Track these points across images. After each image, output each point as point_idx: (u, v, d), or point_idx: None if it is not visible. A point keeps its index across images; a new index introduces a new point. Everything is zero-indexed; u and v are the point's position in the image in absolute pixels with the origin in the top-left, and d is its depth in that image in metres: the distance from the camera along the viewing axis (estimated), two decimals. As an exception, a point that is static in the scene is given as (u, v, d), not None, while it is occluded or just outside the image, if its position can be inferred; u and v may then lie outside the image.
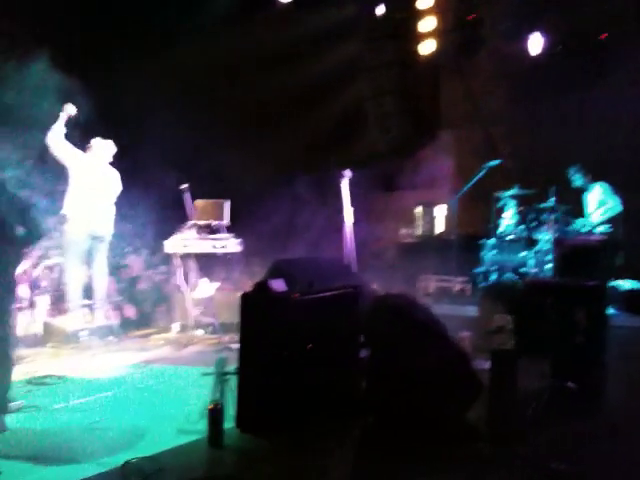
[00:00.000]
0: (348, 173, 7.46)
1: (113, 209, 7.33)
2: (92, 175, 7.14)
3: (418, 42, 10.87)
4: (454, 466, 3.47)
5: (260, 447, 3.74)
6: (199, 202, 7.78)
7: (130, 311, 8.11)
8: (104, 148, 7.28)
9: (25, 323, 7.14)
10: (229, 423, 3.97)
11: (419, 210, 10.85)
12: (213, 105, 9.79)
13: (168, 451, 3.71)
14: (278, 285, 3.97)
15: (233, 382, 4.07)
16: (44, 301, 7.45)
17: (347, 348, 4.33)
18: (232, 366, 4.13)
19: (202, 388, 4.40)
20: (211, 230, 7.64)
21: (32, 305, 7.32)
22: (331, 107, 10.73)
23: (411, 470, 3.47)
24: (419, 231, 10.75)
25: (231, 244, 7.60)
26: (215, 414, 3.68)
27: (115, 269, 8.29)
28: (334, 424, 3.97)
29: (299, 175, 9.93)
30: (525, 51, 9.80)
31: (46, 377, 5.67)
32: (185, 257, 7.66)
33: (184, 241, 7.48)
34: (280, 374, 3.74)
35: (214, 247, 7.49)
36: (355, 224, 7.59)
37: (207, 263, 8.01)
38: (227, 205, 7.84)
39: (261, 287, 3.98)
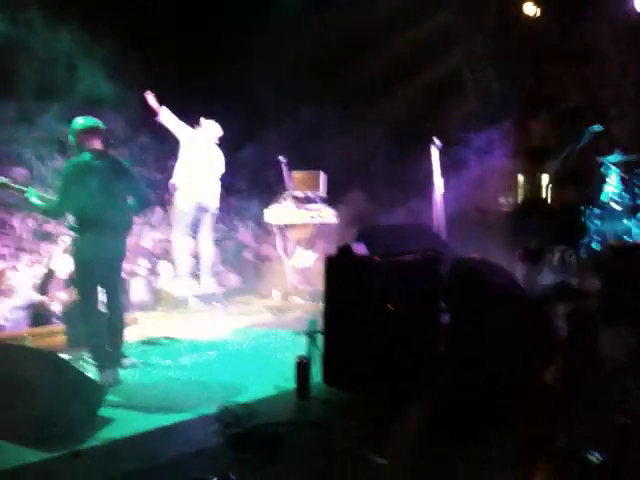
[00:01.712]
0: (438, 142, 7.49)
1: (219, 184, 7.76)
2: (200, 150, 7.58)
3: (520, 4, 10.53)
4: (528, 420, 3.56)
5: (343, 399, 4.00)
6: (296, 173, 8.08)
7: (234, 279, 8.58)
8: (212, 128, 7.71)
9: (140, 289, 7.76)
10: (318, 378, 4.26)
11: (519, 178, 10.62)
12: (311, 82, 10.00)
13: (261, 400, 4.06)
14: (360, 249, 4.17)
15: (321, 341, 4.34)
16: (157, 268, 8.04)
17: (427, 311, 4.45)
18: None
19: (299, 349, 4.60)
20: (308, 200, 7.93)
21: (146, 272, 7.92)
22: (427, 76, 10.63)
23: (489, 428, 3.59)
24: (519, 199, 10.53)
25: (327, 215, 7.86)
26: (302, 368, 3.97)
27: (220, 239, 8.80)
28: (413, 383, 4.15)
29: (394, 146, 9.99)
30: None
31: (159, 338, 6.18)
32: (284, 227, 8.01)
33: (283, 211, 7.82)
34: (362, 333, 3.95)
35: (311, 217, 7.78)
36: (450, 192, 7.63)
37: (305, 233, 8.31)
38: (323, 176, 8.09)
39: (344, 251, 4.20)
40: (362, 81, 10.25)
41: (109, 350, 4.82)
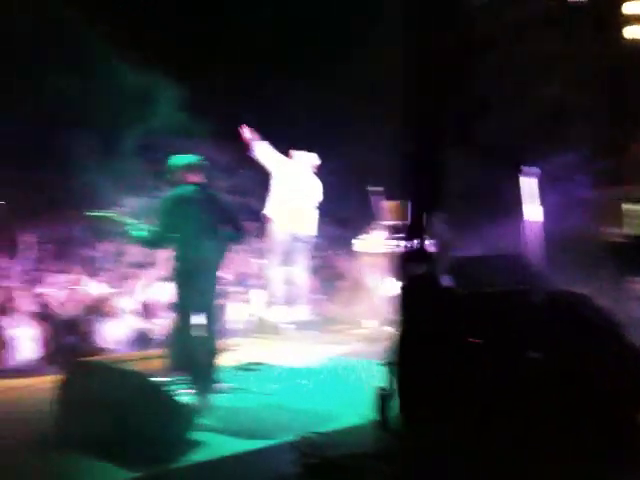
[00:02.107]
0: (531, 168, 7.29)
1: (315, 213, 7.91)
2: (295, 180, 7.77)
3: (624, 27, 10.13)
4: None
5: (423, 432, 3.93)
6: (387, 203, 8.11)
7: (328, 308, 8.68)
8: (306, 158, 7.91)
9: (237, 315, 8.02)
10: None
11: (627, 207, 10.06)
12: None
13: (341, 430, 4.09)
14: (442, 279, 4.13)
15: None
16: (254, 295, 8.28)
17: (516, 346, 4.31)
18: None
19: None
20: (398, 230, 7.92)
21: (243, 299, 8.19)
22: (529, 100, 10.38)
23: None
24: (627, 230, 9.95)
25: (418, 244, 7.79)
26: (382, 399, 3.96)
27: (317, 268, 8.94)
28: (497, 419, 4.03)
29: (486, 172, 9.78)
30: None
31: (253, 364, 6.36)
32: (374, 256, 8.04)
33: (373, 241, 7.86)
34: (442, 366, 3.89)
35: (398, 247, 7.74)
36: (547, 220, 7.38)
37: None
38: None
39: (421, 279, 4.17)
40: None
41: (204, 375, 4.99)
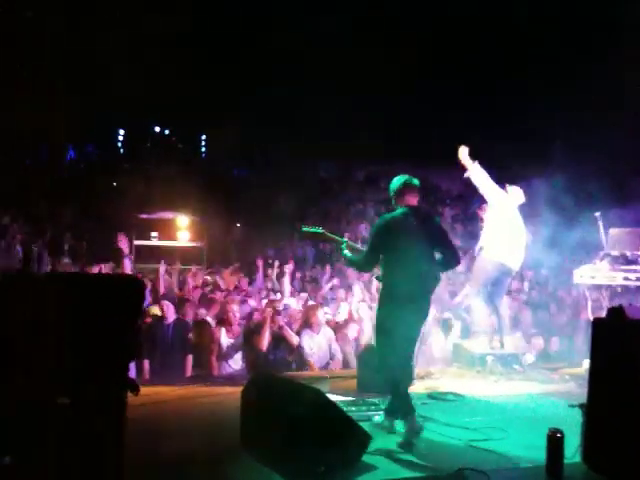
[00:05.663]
0: None
1: (524, 247, 7.42)
2: (508, 213, 7.35)
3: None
4: None
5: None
6: (614, 231, 7.30)
7: (541, 343, 8.03)
8: (518, 193, 7.48)
9: (438, 343, 7.79)
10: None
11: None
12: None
13: (503, 469, 3.69)
14: (636, 311, 3.55)
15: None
16: (456, 324, 7.99)
17: None
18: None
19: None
20: (626, 261, 7.05)
21: (444, 327, 7.94)
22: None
23: None
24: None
25: (647, 276, 6.87)
26: (553, 442, 3.50)
27: (533, 300, 8.37)
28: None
29: None
30: None
31: (446, 394, 6.07)
32: (595, 288, 7.25)
33: (594, 272, 7.09)
34: (635, 411, 3.32)
35: (626, 279, 6.89)
36: None
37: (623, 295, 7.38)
38: (646, 234, 7.14)
39: (616, 313, 3.62)
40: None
41: (399, 400, 4.81)
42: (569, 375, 7.04)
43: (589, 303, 7.25)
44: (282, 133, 18.16)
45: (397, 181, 5.04)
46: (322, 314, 7.53)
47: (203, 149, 29.79)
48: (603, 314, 7.19)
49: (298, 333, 7.30)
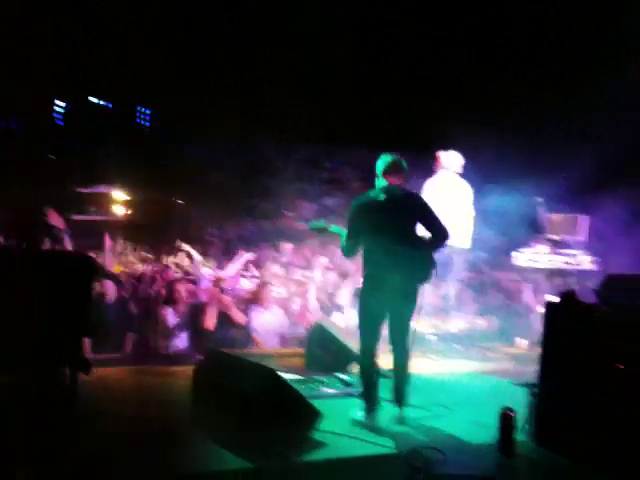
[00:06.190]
0: None
1: (467, 221, 7.37)
2: (441, 188, 7.12)
3: None
4: None
5: (551, 462, 3.54)
6: (553, 216, 7.56)
7: (482, 323, 8.24)
8: (451, 159, 7.26)
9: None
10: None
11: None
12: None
13: (457, 448, 3.80)
14: (588, 297, 3.69)
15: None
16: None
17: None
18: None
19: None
20: (564, 246, 7.34)
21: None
22: None
23: None
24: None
25: (584, 261, 7.17)
26: (505, 421, 3.62)
27: (472, 281, 8.53)
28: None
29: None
30: None
31: (387, 370, 6.19)
32: (534, 271, 7.52)
33: (534, 255, 7.35)
34: (582, 391, 3.46)
35: (565, 263, 7.18)
36: None
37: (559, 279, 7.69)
38: (583, 220, 7.43)
39: (567, 296, 3.75)
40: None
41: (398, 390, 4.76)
42: (506, 354, 7.30)
43: (525, 284, 7.50)
44: (223, 105, 17.75)
45: (380, 160, 4.78)
46: (271, 292, 7.49)
47: (141, 121, 29.06)
48: (540, 296, 7.55)
49: (246, 311, 7.25)
